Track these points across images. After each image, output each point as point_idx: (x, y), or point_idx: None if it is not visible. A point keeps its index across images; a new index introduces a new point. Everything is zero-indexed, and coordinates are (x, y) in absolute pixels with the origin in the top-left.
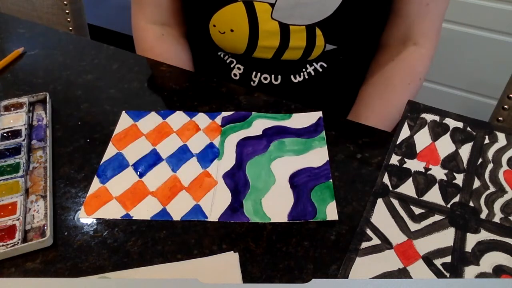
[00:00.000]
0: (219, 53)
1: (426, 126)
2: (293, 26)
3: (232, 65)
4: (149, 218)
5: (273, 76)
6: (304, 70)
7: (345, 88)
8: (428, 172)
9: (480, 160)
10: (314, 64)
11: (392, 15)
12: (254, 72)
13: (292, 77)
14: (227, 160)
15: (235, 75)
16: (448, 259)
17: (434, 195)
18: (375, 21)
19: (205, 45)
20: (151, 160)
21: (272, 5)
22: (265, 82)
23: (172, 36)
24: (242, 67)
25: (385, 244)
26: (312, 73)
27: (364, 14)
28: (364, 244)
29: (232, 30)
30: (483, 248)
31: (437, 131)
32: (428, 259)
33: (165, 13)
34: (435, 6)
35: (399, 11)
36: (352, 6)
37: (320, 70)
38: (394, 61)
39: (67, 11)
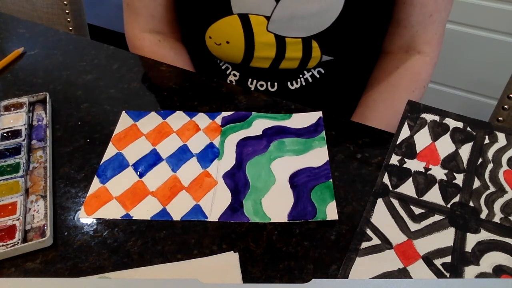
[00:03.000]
0: (215, 59)
1: (426, 126)
2: (289, 38)
3: (227, 72)
4: (149, 218)
5: (269, 83)
6: (301, 76)
7: (343, 94)
8: (428, 172)
9: (480, 160)
10: (312, 70)
11: (395, 25)
12: (250, 79)
13: (289, 84)
14: (227, 160)
15: (230, 81)
16: (448, 259)
17: (434, 195)
18: (372, 33)
19: (201, 53)
20: (151, 160)
21: (268, 18)
22: (261, 89)
23: (168, 42)
24: (238, 74)
25: (385, 244)
26: (310, 79)
27: (361, 27)
28: (364, 244)
29: (228, 42)
30: (483, 248)
31: (437, 131)
32: (428, 259)
33: (159, 23)
34: (439, 15)
35: (402, 22)
36: (349, 19)
37: (318, 76)
38: (399, 69)
39: (67, 11)
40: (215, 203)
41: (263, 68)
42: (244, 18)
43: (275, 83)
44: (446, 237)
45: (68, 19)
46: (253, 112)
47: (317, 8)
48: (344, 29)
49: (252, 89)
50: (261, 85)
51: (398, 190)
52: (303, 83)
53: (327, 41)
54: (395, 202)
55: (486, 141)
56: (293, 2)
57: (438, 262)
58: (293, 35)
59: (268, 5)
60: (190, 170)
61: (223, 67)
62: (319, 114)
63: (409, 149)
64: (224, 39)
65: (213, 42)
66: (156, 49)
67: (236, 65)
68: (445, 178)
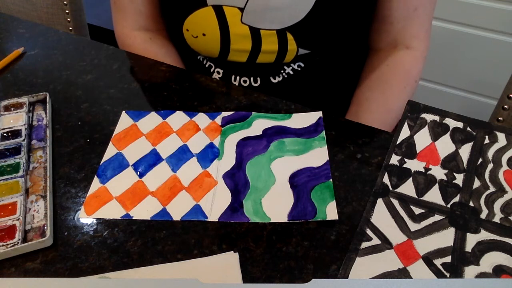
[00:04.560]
0: (198, 57)
1: (426, 126)
2: (263, 30)
3: (211, 69)
4: (149, 218)
5: (252, 78)
6: (282, 72)
7: (329, 89)
8: (428, 172)
9: (480, 160)
10: (292, 65)
11: (380, 22)
12: (233, 76)
13: (271, 78)
14: (227, 160)
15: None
16: (448, 259)
17: (434, 195)
18: (350, 27)
19: (184, 50)
20: (151, 160)
21: (242, 10)
22: (245, 84)
23: (159, 40)
24: (221, 71)
25: (385, 244)
26: (291, 72)
27: (336, 20)
28: (364, 244)
29: (204, 34)
30: (483, 248)
31: (437, 131)
32: (428, 259)
33: (147, 19)
34: (424, 9)
35: (387, 18)
36: (323, 11)
37: (299, 69)
38: (388, 66)
39: (67, 11)
40: (215, 203)
41: (241, 62)
42: (219, 10)
43: (258, 78)
44: (446, 237)
45: (68, 19)
46: (253, 112)
47: (290, 0)
48: (318, 21)
49: (236, 85)
50: (245, 81)
51: (398, 190)
52: (285, 76)
53: (302, 34)
54: (395, 202)
55: (486, 141)
56: None
57: (438, 262)
58: (267, 27)
59: None
60: (190, 170)
61: (206, 65)
62: (319, 114)
63: (409, 149)
64: (200, 31)
65: (190, 35)
66: (147, 46)
67: (217, 61)
68: (445, 178)
